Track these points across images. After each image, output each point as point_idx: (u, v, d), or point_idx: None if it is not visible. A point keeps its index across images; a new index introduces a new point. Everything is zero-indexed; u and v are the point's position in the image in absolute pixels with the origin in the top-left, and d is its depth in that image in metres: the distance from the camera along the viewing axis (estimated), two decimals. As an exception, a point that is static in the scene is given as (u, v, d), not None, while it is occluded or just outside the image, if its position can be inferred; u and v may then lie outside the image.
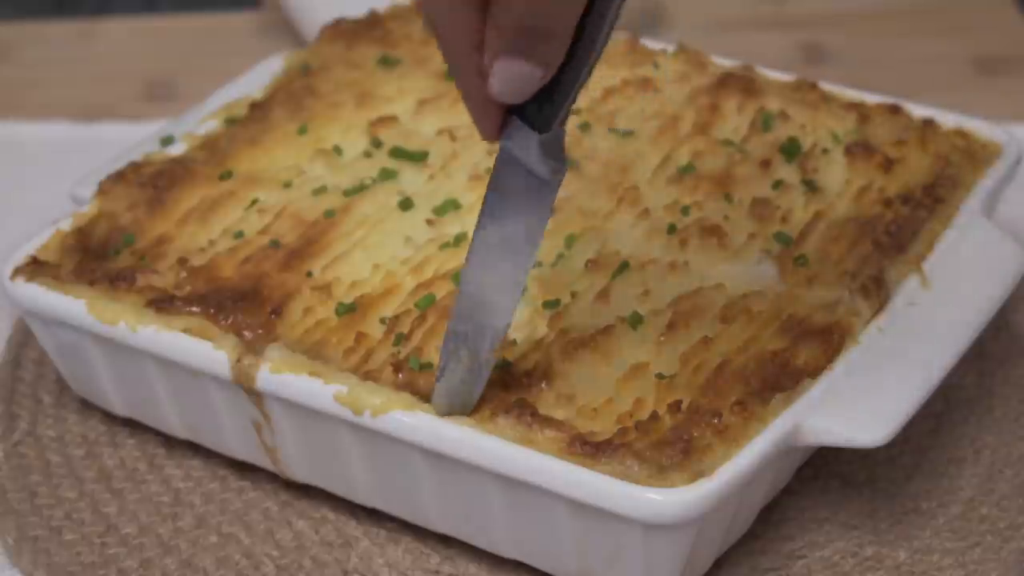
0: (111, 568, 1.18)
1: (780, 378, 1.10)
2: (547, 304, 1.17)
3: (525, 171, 1.02)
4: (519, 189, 1.03)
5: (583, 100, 1.39)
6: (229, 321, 1.17)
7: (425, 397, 1.10)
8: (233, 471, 1.26)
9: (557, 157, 1.02)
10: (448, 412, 1.08)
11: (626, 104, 1.38)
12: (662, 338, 1.14)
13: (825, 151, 1.31)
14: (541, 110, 0.99)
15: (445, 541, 1.19)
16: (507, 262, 1.05)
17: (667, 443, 1.05)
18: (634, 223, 1.24)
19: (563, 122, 1.00)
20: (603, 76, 1.41)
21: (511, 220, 1.04)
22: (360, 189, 1.29)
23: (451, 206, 1.26)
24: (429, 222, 1.25)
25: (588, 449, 1.05)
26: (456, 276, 1.19)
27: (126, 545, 1.20)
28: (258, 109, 1.38)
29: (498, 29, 0.94)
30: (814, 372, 1.11)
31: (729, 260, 1.20)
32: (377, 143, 1.34)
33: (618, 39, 1.46)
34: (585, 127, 1.35)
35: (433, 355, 1.13)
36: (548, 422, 1.07)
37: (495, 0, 0.94)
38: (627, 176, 1.29)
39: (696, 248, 1.21)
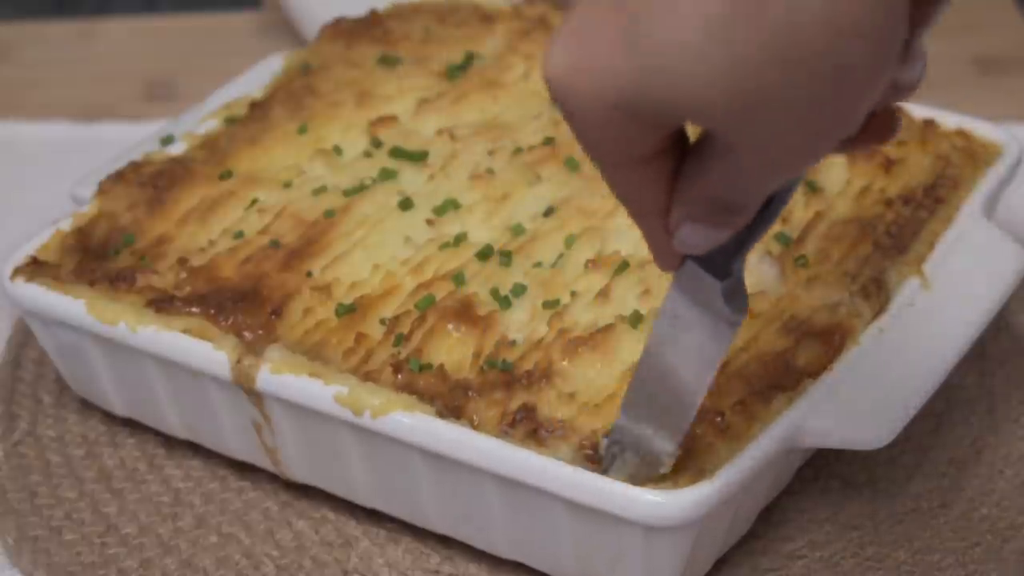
0: (111, 568, 1.18)
1: (781, 378, 1.10)
2: (547, 304, 1.17)
3: (698, 312, 0.96)
4: (691, 326, 0.97)
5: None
6: (229, 321, 1.17)
7: (425, 397, 1.10)
8: (233, 471, 1.26)
9: (739, 299, 0.95)
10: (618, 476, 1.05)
11: (626, 104, 1.38)
12: (662, 338, 1.14)
13: (825, 151, 1.31)
14: (720, 260, 0.93)
15: (445, 541, 1.19)
16: (676, 389, 1.00)
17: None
18: (633, 223, 1.24)
19: (742, 266, 0.95)
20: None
21: (684, 350, 0.98)
22: (360, 189, 1.28)
23: (451, 206, 1.26)
24: (429, 222, 1.25)
25: (597, 456, 1.05)
26: (457, 276, 1.19)
27: (126, 545, 1.20)
28: (258, 109, 1.38)
29: (686, 202, 0.87)
30: (815, 373, 1.11)
31: (729, 260, 1.20)
32: (377, 143, 1.34)
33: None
34: (585, 127, 1.35)
35: (433, 356, 1.13)
36: (553, 431, 1.07)
37: (686, 175, 0.87)
38: (627, 176, 1.29)
39: (696, 248, 1.21)
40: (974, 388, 1.32)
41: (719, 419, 1.06)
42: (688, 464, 1.04)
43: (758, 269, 1.19)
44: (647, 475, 1.04)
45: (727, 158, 0.83)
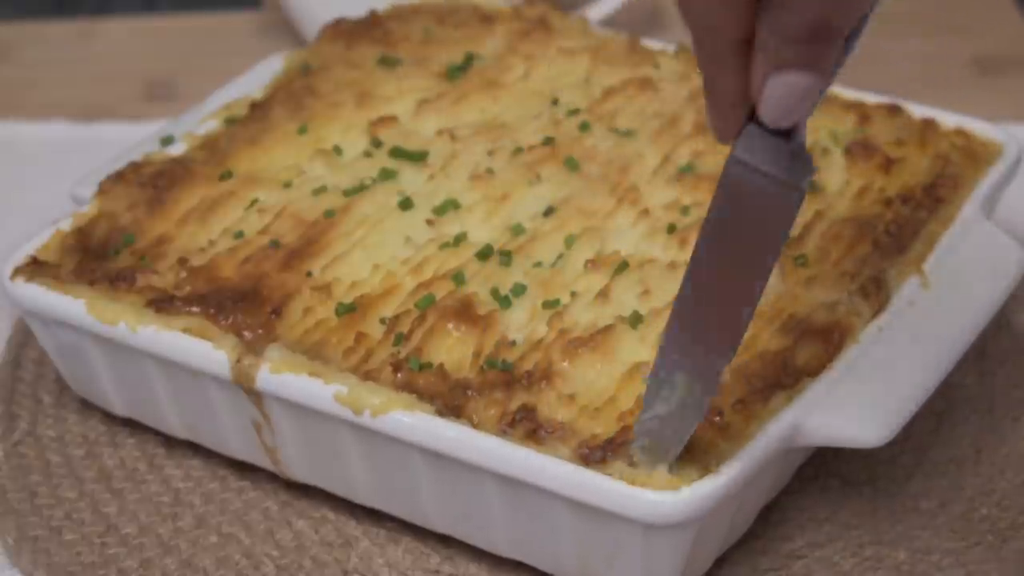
0: (111, 568, 1.18)
1: (781, 377, 1.10)
2: (547, 304, 1.17)
3: (762, 180, 0.91)
4: (754, 200, 0.92)
5: (583, 100, 1.39)
6: (229, 321, 1.17)
7: (425, 396, 1.10)
8: (233, 471, 1.26)
9: (804, 162, 0.91)
10: (650, 459, 1.03)
11: (626, 104, 1.38)
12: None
13: (825, 151, 1.31)
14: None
15: (445, 541, 1.19)
16: (738, 281, 0.95)
17: (667, 442, 1.05)
18: (634, 223, 1.25)
19: (804, 125, 0.91)
20: (603, 76, 1.42)
21: (745, 233, 0.93)
22: (360, 189, 1.28)
23: (451, 206, 1.26)
24: (429, 222, 1.25)
25: (597, 455, 1.05)
26: (456, 276, 1.19)
27: (126, 545, 1.20)
28: (258, 109, 1.38)
29: (779, 33, 0.84)
30: (815, 372, 1.11)
31: (729, 260, 1.20)
32: (377, 143, 1.34)
33: (618, 39, 1.46)
34: (585, 127, 1.35)
35: (433, 355, 1.13)
36: (553, 432, 1.07)
37: (775, 3, 0.83)
38: (627, 176, 1.29)
39: (696, 248, 1.21)
40: (974, 388, 1.32)
41: (718, 418, 1.06)
42: (689, 461, 1.04)
43: (758, 269, 1.19)
44: (690, 409, 1.00)
45: None
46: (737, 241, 0.94)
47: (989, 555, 1.17)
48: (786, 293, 1.17)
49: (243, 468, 1.25)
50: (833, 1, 0.82)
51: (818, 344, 1.12)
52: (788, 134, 0.90)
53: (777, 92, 0.86)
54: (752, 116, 0.91)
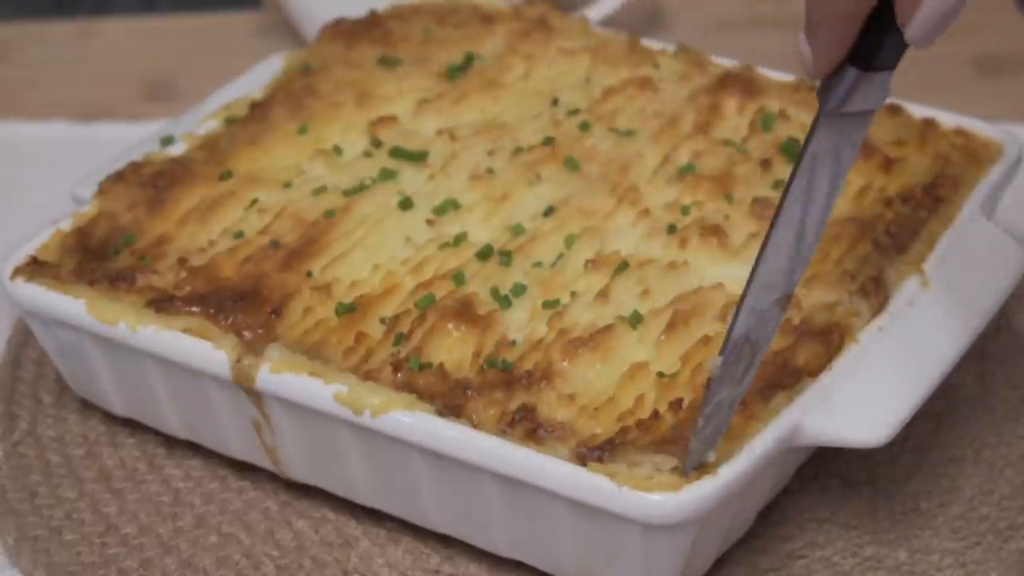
0: (111, 568, 1.18)
1: (780, 377, 1.10)
2: (547, 304, 1.17)
3: (852, 123, 0.92)
4: (841, 149, 0.94)
5: (583, 100, 1.39)
6: (229, 321, 1.17)
7: (425, 396, 1.10)
8: (233, 471, 1.26)
9: (886, 87, 0.93)
10: (704, 448, 1.03)
11: (626, 104, 1.38)
12: (662, 337, 1.14)
13: (825, 151, 1.31)
14: (888, 43, 0.90)
15: (445, 541, 1.19)
16: (804, 233, 0.97)
17: (669, 441, 1.05)
18: (634, 223, 1.25)
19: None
20: (603, 76, 1.42)
21: (825, 183, 0.95)
22: (360, 189, 1.29)
23: (451, 206, 1.26)
24: (429, 222, 1.25)
25: (595, 455, 1.05)
26: (456, 276, 1.19)
27: (126, 545, 1.20)
28: (258, 109, 1.38)
29: None
30: (814, 372, 1.11)
31: (729, 260, 1.20)
32: (377, 143, 1.34)
33: (618, 39, 1.46)
34: (585, 127, 1.35)
35: (433, 355, 1.13)
36: (552, 432, 1.07)
37: None
38: (627, 176, 1.29)
39: (696, 248, 1.21)
40: (974, 388, 1.32)
41: (719, 418, 1.07)
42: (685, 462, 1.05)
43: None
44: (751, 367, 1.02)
45: None
46: (817, 193, 0.96)
47: (989, 555, 1.17)
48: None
49: (243, 468, 1.25)
50: None
51: (818, 344, 1.12)
52: (894, 64, 0.91)
53: (932, 9, 0.86)
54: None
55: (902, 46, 0.90)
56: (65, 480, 1.26)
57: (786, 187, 0.96)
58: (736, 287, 1.18)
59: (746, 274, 1.18)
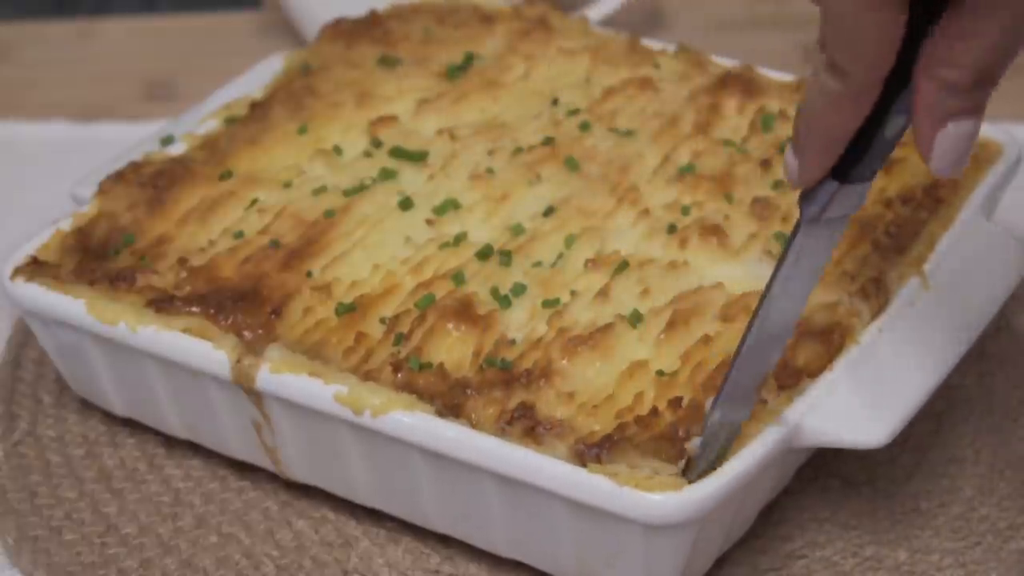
0: (111, 568, 1.18)
1: (780, 377, 1.10)
2: (546, 303, 1.17)
3: (829, 225, 0.99)
4: (819, 247, 0.99)
5: (583, 100, 1.39)
6: (229, 321, 1.17)
7: (425, 396, 1.10)
8: (233, 471, 1.26)
9: (864, 196, 0.98)
10: (707, 457, 1.05)
11: (626, 104, 1.38)
12: (662, 336, 1.14)
13: (825, 151, 1.31)
14: (867, 160, 0.95)
15: (445, 541, 1.19)
16: (782, 324, 1.03)
17: (666, 438, 1.05)
18: (634, 223, 1.25)
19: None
20: (603, 76, 1.42)
21: (805, 274, 1.01)
22: (360, 189, 1.29)
23: (451, 206, 1.26)
24: (429, 222, 1.25)
25: (594, 453, 1.05)
26: (456, 276, 1.19)
27: (126, 545, 1.20)
28: (258, 109, 1.38)
29: (947, 87, 0.87)
30: (814, 372, 1.11)
31: (729, 260, 1.20)
32: (377, 143, 1.34)
33: (618, 39, 1.46)
34: (585, 127, 1.35)
35: (433, 355, 1.13)
36: (551, 429, 1.07)
37: (959, 33, 0.86)
38: (627, 176, 1.29)
39: (696, 248, 1.21)
40: (974, 388, 1.32)
41: (719, 418, 1.07)
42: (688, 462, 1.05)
43: (757, 269, 1.19)
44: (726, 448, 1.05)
45: (994, 15, 0.84)
46: (794, 287, 1.01)
47: (989, 555, 1.17)
48: (786, 293, 1.17)
49: (243, 468, 1.25)
50: (996, 51, 0.86)
51: (818, 345, 1.12)
52: (871, 177, 0.96)
53: (949, 143, 0.89)
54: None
55: (878, 163, 0.95)
56: (65, 480, 1.26)
57: (768, 285, 1.01)
58: (736, 287, 1.18)
59: (746, 274, 1.19)
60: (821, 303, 1.16)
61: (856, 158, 0.94)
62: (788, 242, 1.00)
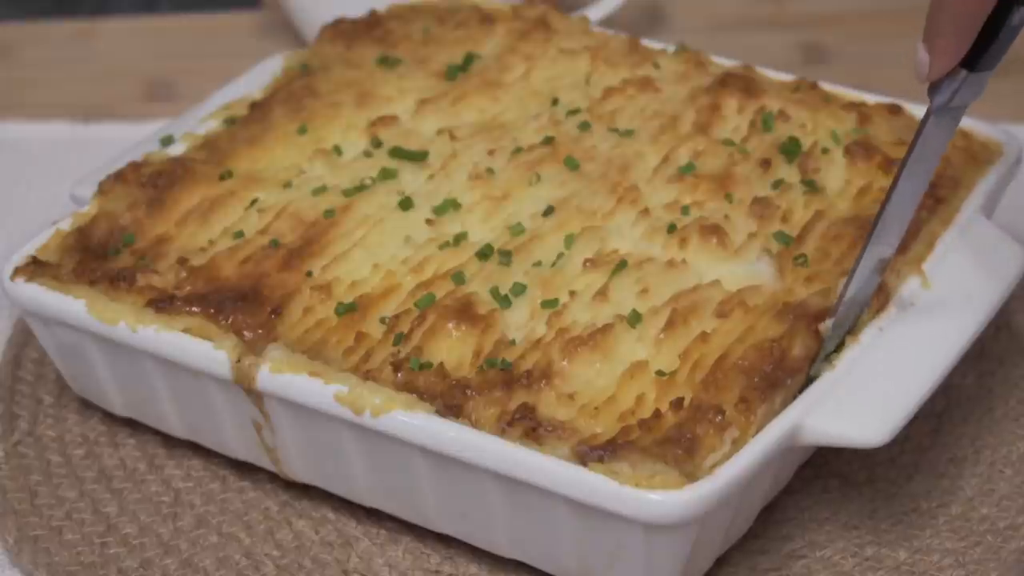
0: (111, 568, 1.18)
1: (779, 368, 1.10)
2: (546, 303, 1.17)
3: (953, 114, 1.10)
4: (942, 135, 1.10)
5: (583, 100, 1.39)
6: (229, 321, 1.17)
7: (425, 396, 1.10)
8: (233, 471, 1.26)
9: (985, 83, 1.09)
10: (837, 335, 1.13)
11: (626, 104, 1.38)
12: (661, 336, 1.14)
13: (825, 151, 1.31)
14: (994, 49, 1.06)
15: (445, 541, 1.19)
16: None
17: (670, 441, 1.05)
18: (634, 222, 1.24)
19: None
20: (603, 76, 1.42)
21: (931, 158, 1.12)
22: (360, 189, 1.29)
23: (451, 206, 1.26)
24: (429, 222, 1.25)
25: (596, 454, 1.05)
26: (456, 276, 1.19)
27: (126, 545, 1.20)
28: (258, 109, 1.38)
29: None
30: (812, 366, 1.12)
31: (729, 259, 1.20)
32: (377, 143, 1.34)
33: (618, 39, 1.46)
34: (585, 127, 1.35)
35: (433, 355, 1.13)
36: (553, 431, 1.07)
37: None
38: (627, 176, 1.29)
39: (696, 247, 1.21)
40: (974, 388, 1.32)
41: (719, 417, 1.07)
42: (692, 461, 1.04)
43: (757, 268, 1.19)
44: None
45: None
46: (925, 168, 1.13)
47: (989, 555, 1.17)
48: (784, 291, 1.17)
49: (243, 468, 1.25)
50: None
51: (817, 343, 1.12)
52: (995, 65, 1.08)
53: None
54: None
55: (1004, 51, 1.06)
56: (65, 480, 1.26)
57: (901, 165, 1.12)
58: (735, 285, 1.18)
59: (746, 273, 1.19)
60: (821, 303, 1.16)
61: (984, 46, 1.05)
62: (917, 132, 1.10)
